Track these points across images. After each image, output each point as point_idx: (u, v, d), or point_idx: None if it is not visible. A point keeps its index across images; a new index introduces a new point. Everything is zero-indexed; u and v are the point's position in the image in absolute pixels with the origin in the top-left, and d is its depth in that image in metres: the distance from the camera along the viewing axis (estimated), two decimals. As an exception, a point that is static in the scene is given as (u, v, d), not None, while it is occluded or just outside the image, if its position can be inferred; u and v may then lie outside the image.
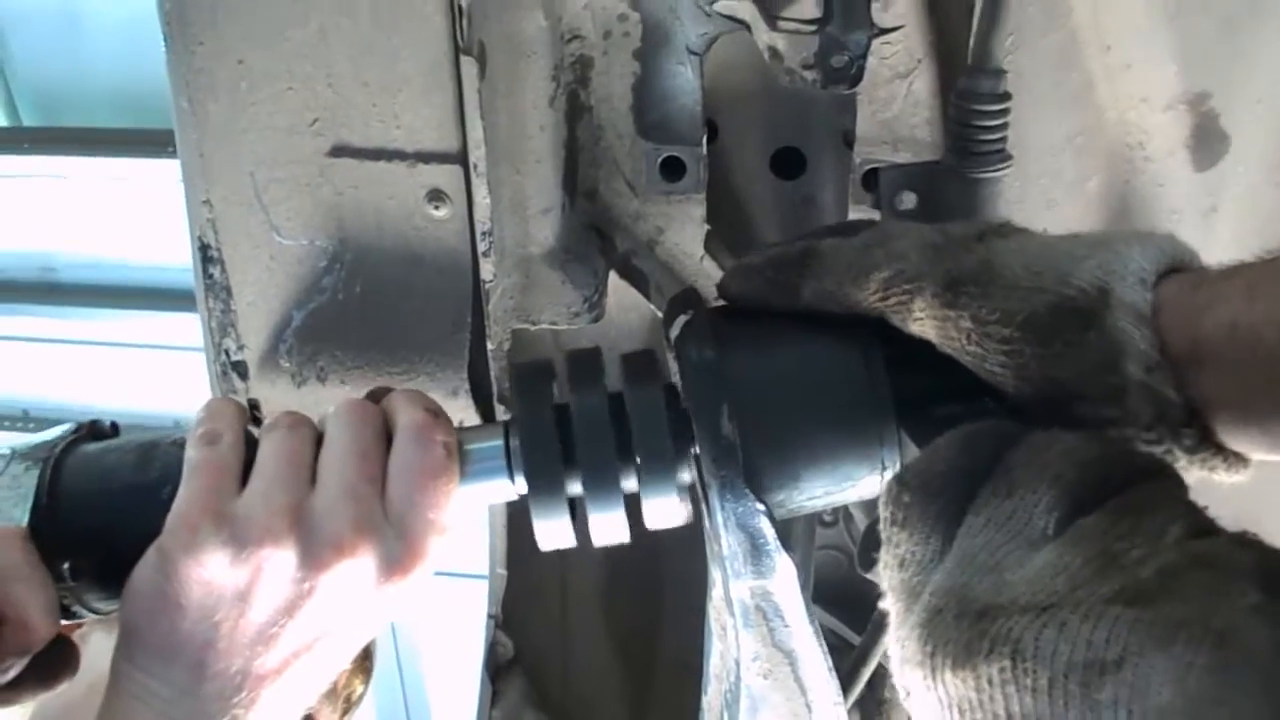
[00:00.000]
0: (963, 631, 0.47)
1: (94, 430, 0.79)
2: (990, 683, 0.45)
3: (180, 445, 0.75)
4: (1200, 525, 0.48)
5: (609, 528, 0.75)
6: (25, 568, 0.70)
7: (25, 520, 0.73)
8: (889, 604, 0.54)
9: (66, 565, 0.72)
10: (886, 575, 0.55)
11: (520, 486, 0.75)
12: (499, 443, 0.76)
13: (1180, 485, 0.52)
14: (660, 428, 0.72)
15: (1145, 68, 0.86)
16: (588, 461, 0.73)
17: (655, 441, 0.72)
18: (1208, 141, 0.89)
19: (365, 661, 1.48)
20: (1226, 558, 0.45)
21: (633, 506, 0.74)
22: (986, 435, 0.56)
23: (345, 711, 1.45)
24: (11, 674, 0.70)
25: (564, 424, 0.73)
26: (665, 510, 0.73)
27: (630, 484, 0.73)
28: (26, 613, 0.69)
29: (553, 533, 0.75)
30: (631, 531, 0.75)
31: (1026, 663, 0.44)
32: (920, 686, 0.49)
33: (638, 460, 0.72)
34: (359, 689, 1.48)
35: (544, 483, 0.73)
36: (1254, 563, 0.44)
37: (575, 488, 0.74)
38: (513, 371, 0.77)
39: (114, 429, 0.81)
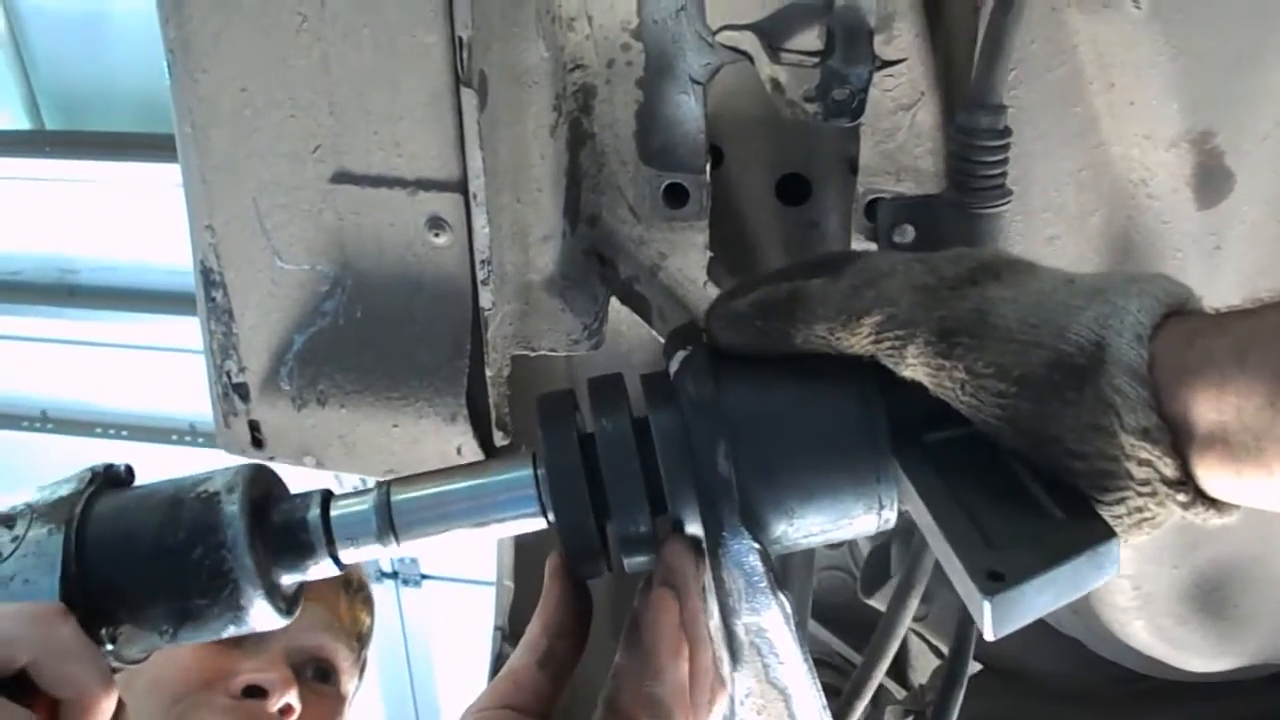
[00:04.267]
0: None
1: (110, 477, 0.78)
2: None
3: (203, 499, 0.74)
4: None
5: (639, 557, 0.75)
6: (76, 645, 0.69)
7: (57, 590, 0.71)
8: None
9: (104, 631, 0.72)
10: None
11: (551, 518, 0.76)
12: (528, 473, 0.76)
13: None
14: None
15: (1148, 105, 0.86)
16: (615, 491, 0.72)
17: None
18: (1212, 179, 0.89)
19: (362, 593, 1.48)
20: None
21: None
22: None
23: (360, 648, 1.45)
24: None
25: (590, 454, 0.73)
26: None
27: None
28: (88, 689, 0.68)
29: (585, 564, 0.76)
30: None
31: None
32: None
33: (665, 486, 0.72)
34: (366, 622, 1.47)
35: (573, 517, 0.73)
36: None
37: (605, 517, 0.74)
38: (537, 403, 0.77)
39: (129, 473, 0.79)
